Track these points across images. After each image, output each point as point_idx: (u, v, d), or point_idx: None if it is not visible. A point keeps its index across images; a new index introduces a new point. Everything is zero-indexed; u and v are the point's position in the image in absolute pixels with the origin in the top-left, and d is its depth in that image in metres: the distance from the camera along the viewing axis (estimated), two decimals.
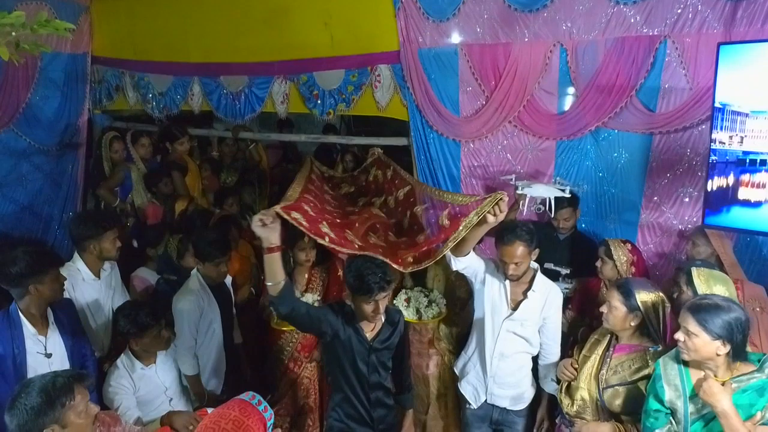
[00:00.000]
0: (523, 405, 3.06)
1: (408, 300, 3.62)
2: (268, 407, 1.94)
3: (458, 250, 2.73)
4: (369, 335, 2.62)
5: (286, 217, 2.19)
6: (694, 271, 2.56)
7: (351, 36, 4.23)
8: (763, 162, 2.73)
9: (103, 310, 3.33)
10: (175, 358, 3.09)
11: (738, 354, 2.04)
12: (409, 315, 3.52)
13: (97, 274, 3.31)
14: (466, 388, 3.16)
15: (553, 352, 2.99)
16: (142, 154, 4.94)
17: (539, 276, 2.92)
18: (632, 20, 3.46)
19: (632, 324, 2.51)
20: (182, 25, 4.90)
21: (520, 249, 2.76)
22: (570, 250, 3.68)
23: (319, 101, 4.49)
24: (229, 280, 3.48)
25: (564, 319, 3.16)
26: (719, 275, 2.55)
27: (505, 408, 3.05)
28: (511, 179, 3.60)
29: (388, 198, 3.34)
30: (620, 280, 2.75)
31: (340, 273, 3.39)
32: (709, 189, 2.95)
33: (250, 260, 4.02)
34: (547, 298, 2.91)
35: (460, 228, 2.47)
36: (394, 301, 3.60)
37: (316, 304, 3.30)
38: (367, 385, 2.64)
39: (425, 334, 3.59)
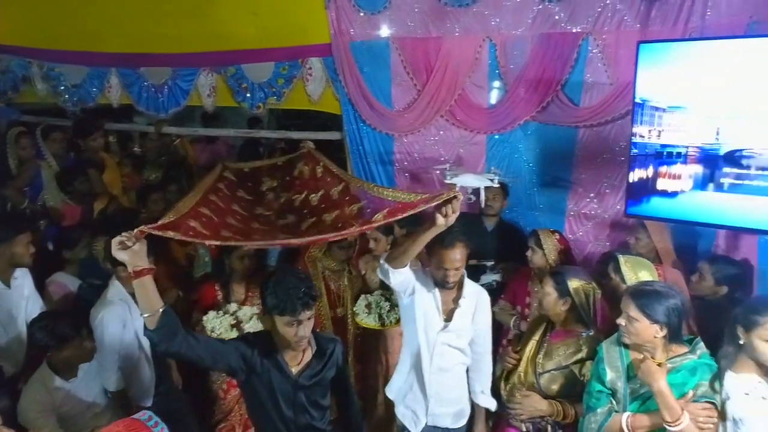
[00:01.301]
0: (464, 421, 2.83)
1: (369, 306, 3.35)
2: (163, 426, 1.78)
3: (398, 260, 2.42)
4: (294, 369, 2.20)
5: (159, 234, 1.90)
6: (621, 258, 2.70)
7: (281, 27, 4.12)
8: (679, 155, 2.91)
9: (16, 321, 3.07)
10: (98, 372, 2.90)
11: (674, 337, 2.17)
12: (371, 322, 3.28)
13: (7, 283, 3.05)
14: (404, 414, 2.83)
15: (485, 361, 2.78)
16: (54, 151, 4.58)
17: (467, 281, 2.71)
18: (557, 17, 3.59)
19: (563, 309, 2.61)
20: (98, 12, 4.57)
21: (461, 252, 2.55)
22: (497, 241, 3.77)
23: (248, 94, 4.36)
24: None
25: (496, 308, 3.22)
26: (644, 262, 2.70)
27: (447, 428, 2.81)
28: (447, 167, 3.63)
29: (311, 195, 3.03)
30: (555, 268, 2.87)
31: None
32: (630, 180, 3.10)
33: (178, 262, 3.85)
34: (477, 303, 2.72)
35: (404, 215, 2.16)
36: (354, 308, 3.37)
37: (254, 318, 3.06)
38: (295, 429, 2.23)
39: (397, 340, 3.33)
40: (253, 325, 3.07)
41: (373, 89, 4.05)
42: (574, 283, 2.58)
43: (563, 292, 2.59)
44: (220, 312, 3.12)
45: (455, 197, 2.06)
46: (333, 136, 4.31)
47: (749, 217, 2.75)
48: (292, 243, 2.34)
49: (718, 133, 2.78)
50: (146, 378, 3.10)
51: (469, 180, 3.41)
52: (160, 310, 1.90)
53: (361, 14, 3.94)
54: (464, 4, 3.73)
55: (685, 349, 2.18)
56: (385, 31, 3.96)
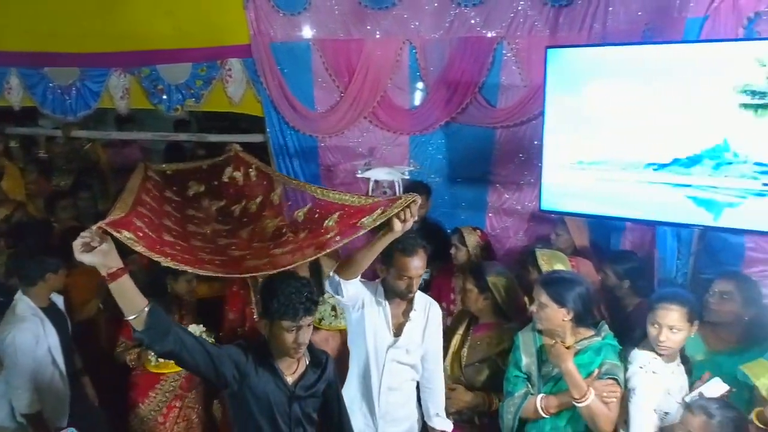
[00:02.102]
0: None
1: (334, 308, 3.14)
2: None
3: (350, 271, 2.27)
4: (290, 379, 2.10)
5: (116, 235, 1.72)
6: (538, 252, 2.85)
7: (198, 27, 4.00)
8: (588, 154, 3.06)
9: None
10: (7, 395, 2.70)
11: (580, 321, 2.32)
12: (343, 323, 3.05)
13: None
14: None
15: (437, 379, 2.62)
16: None
17: (417, 292, 2.54)
18: (473, 21, 3.72)
19: (484, 303, 2.71)
20: None
21: (422, 259, 2.41)
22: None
23: (164, 96, 4.20)
24: (59, 300, 3.11)
25: None
26: (559, 255, 2.86)
27: None
28: (366, 162, 3.65)
29: (249, 203, 2.85)
30: (474, 265, 2.96)
31: (237, 289, 3.06)
32: (544, 178, 3.26)
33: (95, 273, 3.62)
34: (428, 315, 2.57)
35: (359, 226, 2.06)
36: (319, 315, 3.08)
37: (203, 336, 2.82)
38: None
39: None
40: None
41: (295, 91, 4.02)
42: (492, 278, 2.69)
43: (483, 287, 2.69)
44: None
45: (414, 201, 2.01)
46: (255, 138, 4.23)
47: (654, 210, 2.95)
48: (264, 270, 2.11)
49: (624, 135, 2.96)
50: (61, 396, 2.93)
51: (381, 174, 3.44)
52: (146, 309, 1.74)
53: (281, 15, 3.90)
54: (384, 6, 3.78)
55: (591, 332, 2.34)
56: (306, 33, 3.94)
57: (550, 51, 3.11)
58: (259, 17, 3.90)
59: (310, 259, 2.25)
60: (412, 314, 2.51)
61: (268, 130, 4.11)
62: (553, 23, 3.60)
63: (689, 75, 2.76)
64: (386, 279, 2.48)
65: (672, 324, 2.17)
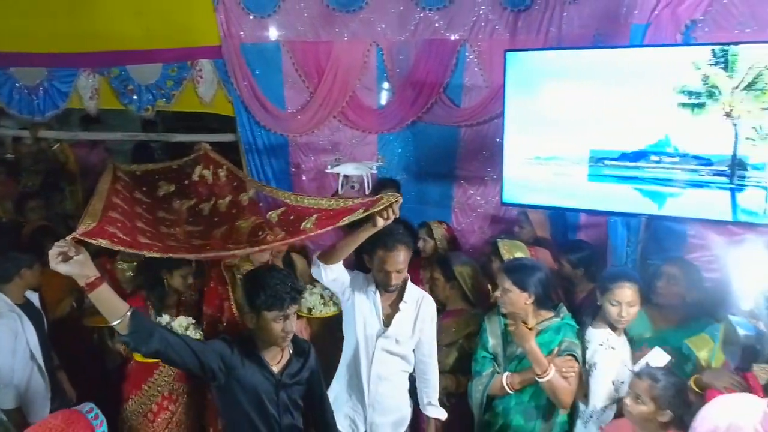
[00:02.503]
0: (404, 429, 2.75)
1: (322, 295, 3.12)
2: (101, 417, 1.80)
3: (329, 256, 2.37)
4: (275, 368, 2.18)
5: (92, 241, 1.75)
6: (500, 243, 3.03)
7: (168, 28, 4.05)
8: (546, 151, 3.27)
9: None
10: None
11: (541, 303, 2.52)
12: (331, 309, 3.09)
13: None
14: (342, 423, 2.65)
15: (431, 370, 2.67)
16: None
17: (409, 285, 2.60)
18: (437, 24, 3.91)
19: (452, 292, 2.89)
20: None
21: (403, 254, 2.46)
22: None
23: (135, 96, 4.22)
24: (35, 297, 3.14)
25: None
26: (518, 244, 3.06)
27: None
28: (335, 158, 3.77)
29: (219, 202, 2.85)
30: (439, 256, 3.14)
31: (215, 285, 3.03)
32: (505, 173, 3.46)
33: None
34: (420, 308, 2.60)
35: (340, 222, 2.13)
36: (309, 305, 3.08)
37: (191, 328, 2.79)
38: (279, 430, 2.19)
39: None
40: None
41: (266, 91, 4.12)
42: (458, 268, 2.88)
43: (449, 276, 2.88)
44: None
45: (396, 201, 2.08)
46: (226, 138, 4.31)
47: (605, 201, 3.19)
48: (236, 253, 2.26)
49: (577, 132, 3.18)
50: (41, 391, 2.97)
51: (350, 169, 3.56)
52: (128, 314, 1.79)
53: (251, 17, 3.99)
54: (351, 9, 3.92)
55: (551, 313, 2.54)
56: (275, 34, 4.04)
57: (509, 54, 3.32)
58: (229, 19, 3.98)
59: (276, 244, 2.27)
60: (402, 305, 2.55)
61: (239, 129, 4.19)
62: (512, 27, 3.81)
63: (635, 77, 3.01)
64: (372, 271, 2.57)
65: (630, 299, 2.40)
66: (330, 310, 3.09)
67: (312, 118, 4.14)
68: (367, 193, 3.64)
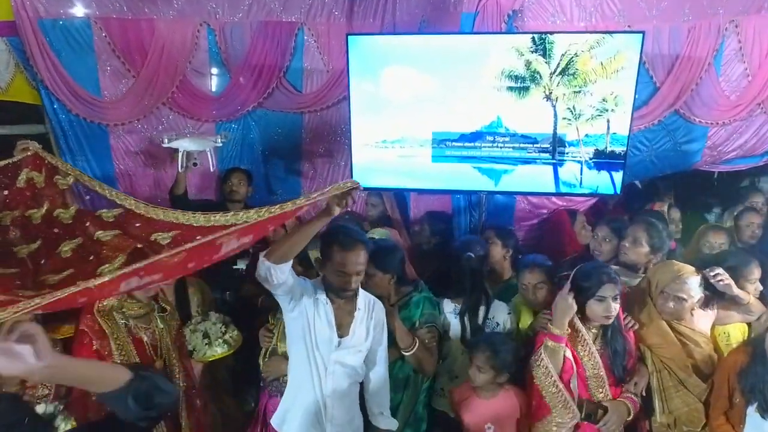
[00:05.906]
0: None
1: (206, 334, 2.56)
2: None
3: (278, 254, 2.06)
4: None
5: None
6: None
7: None
8: (392, 134, 3.38)
9: None
10: None
11: (400, 281, 2.60)
12: (219, 350, 2.56)
13: None
14: None
15: (382, 378, 2.47)
16: None
17: (360, 289, 2.39)
18: (272, 6, 3.74)
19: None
20: None
21: (363, 255, 2.24)
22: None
23: None
24: None
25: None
26: (379, 230, 3.13)
27: None
28: (172, 135, 3.45)
29: (54, 208, 2.12)
30: None
31: (88, 342, 2.13)
32: (354, 159, 3.48)
33: None
34: (373, 313, 2.42)
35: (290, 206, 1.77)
36: (190, 347, 2.51)
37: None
38: None
39: None
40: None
41: (75, 75, 3.60)
42: (314, 253, 2.81)
43: (307, 266, 2.80)
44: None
45: (355, 188, 1.90)
46: (34, 129, 3.67)
47: (447, 180, 3.39)
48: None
49: (418, 115, 3.31)
50: None
51: (189, 144, 3.30)
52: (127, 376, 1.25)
53: None
54: None
55: (410, 289, 2.65)
56: (83, 9, 3.52)
57: (351, 38, 3.31)
58: None
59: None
60: (356, 313, 2.35)
61: (48, 119, 3.61)
62: (349, 11, 3.79)
63: (467, 62, 3.22)
64: (325, 275, 2.32)
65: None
66: (216, 352, 2.57)
67: (136, 105, 3.72)
68: (212, 170, 3.41)
